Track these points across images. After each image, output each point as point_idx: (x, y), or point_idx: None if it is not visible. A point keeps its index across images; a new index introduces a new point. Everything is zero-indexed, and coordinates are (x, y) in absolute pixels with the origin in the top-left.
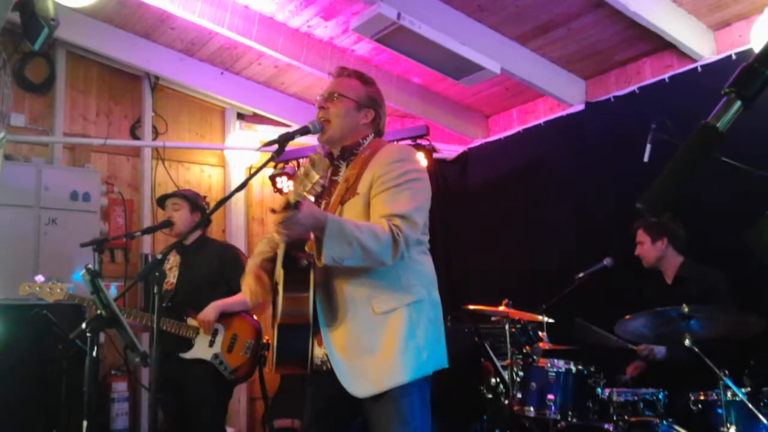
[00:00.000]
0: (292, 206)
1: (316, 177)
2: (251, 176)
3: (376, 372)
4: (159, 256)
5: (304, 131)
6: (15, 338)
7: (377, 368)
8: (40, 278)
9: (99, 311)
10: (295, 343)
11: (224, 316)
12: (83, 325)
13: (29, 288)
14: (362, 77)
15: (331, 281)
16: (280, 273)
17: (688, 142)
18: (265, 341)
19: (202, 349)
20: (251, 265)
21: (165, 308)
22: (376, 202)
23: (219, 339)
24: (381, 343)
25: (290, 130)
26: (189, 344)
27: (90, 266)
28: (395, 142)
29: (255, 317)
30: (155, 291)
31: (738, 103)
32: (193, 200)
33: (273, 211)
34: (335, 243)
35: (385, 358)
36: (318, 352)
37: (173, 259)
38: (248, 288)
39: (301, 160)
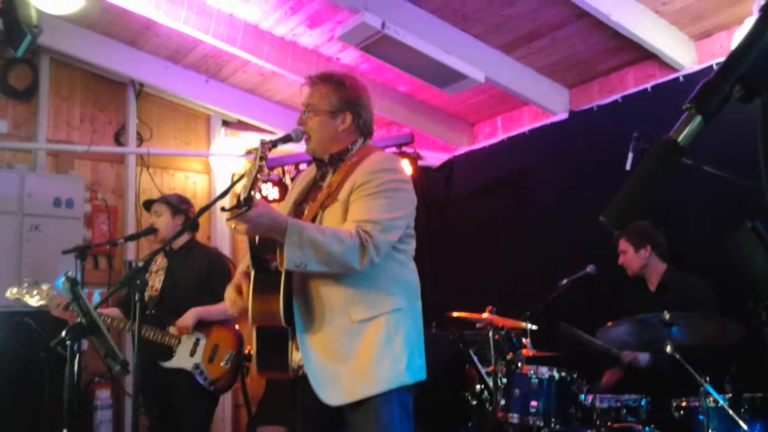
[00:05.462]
0: (242, 204)
1: (254, 173)
2: (233, 184)
3: (349, 380)
4: (141, 264)
5: (286, 139)
6: None
7: (351, 377)
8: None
9: (79, 319)
10: (274, 347)
11: (206, 325)
12: (63, 333)
13: (16, 291)
14: (332, 80)
15: (309, 286)
16: (251, 274)
17: (649, 157)
18: (247, 352)
19: (182, 359)
20: (237, 272)
21: (148, 315)
22: (352, 208)
23: (200, 349)
24: (357, 351)
25: (274, 137)
26: (170, 353)
27: (70, 273)
28: (383, 150)
29: (237, 327)
30: (136, 299)
31: (698, 119)
32: (175, 204)
33: (223, 209)
34: (296, 247)
35: (359, 367)
36: (295, 356)
37: (160, 261)
38: (229, 298)
39: (285, 167)
